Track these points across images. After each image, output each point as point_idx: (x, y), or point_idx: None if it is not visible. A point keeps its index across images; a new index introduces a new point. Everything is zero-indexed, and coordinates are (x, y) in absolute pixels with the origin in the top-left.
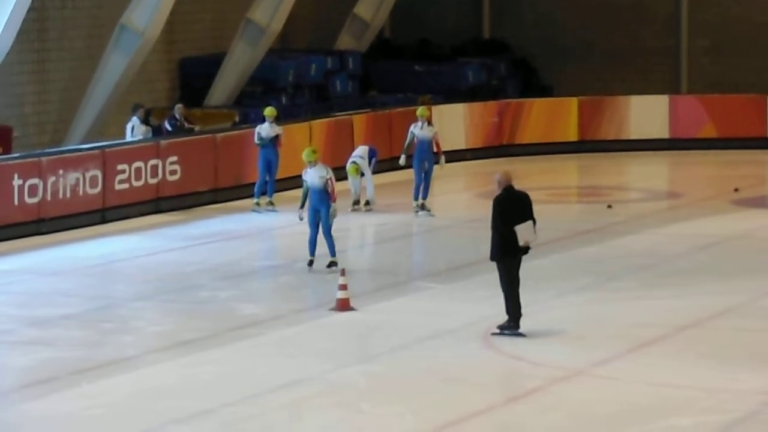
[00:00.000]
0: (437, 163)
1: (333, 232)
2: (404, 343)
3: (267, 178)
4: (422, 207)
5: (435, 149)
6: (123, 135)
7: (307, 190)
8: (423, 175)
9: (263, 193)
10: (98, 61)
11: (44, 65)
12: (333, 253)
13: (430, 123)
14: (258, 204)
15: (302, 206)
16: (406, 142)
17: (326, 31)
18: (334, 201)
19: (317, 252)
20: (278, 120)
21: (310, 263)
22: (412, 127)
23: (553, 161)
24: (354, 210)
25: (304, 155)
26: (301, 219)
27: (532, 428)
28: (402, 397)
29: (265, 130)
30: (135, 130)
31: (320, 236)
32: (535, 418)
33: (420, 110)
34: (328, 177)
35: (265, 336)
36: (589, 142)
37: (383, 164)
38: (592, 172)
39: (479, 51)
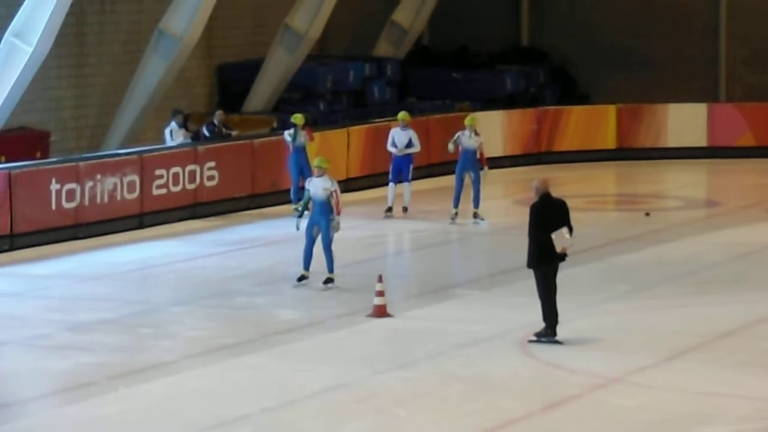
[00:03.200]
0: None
1: (367, 239)
2: (441, 349)
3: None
4: (475, 216)
5: (480, 159)
6: (161, 140)
7: (309, 201)
8: (461, 184)
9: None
10: (136, 66)
11: (82, 70)
12: (331, 269)
13: (476, 133)
14: (298, 209)
15: (301, 215)
16: (454, 137)
17: (364, 37)
18: (338, 214)
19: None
20: (315, 126)
21: (302, 278)
22: (459, 133)
23: (590, 169)
24: (387, 216)
25: (317, 162)
26: (298, 229)
27: None
28: (439, 404)
29: (291, 134)
30: (173, 134)
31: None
32: (572, 425)
33: (468, 119)
34: (332, 189)
35: (302, 342)
36: (627, 149)
37: (420, 171)
38: (629, 180)
39: (517, 58)
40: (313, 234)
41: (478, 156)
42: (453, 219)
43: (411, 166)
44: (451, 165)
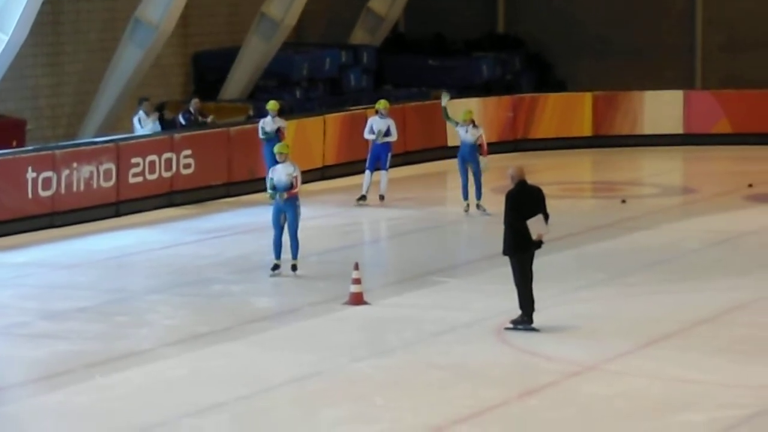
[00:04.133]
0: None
1: (344, 227)
2: (418, 337)
3: None
4: (478, 207)
5: (480, 151)
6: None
7: (273, 187)
8: (466, 176)
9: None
10: (112, 54)
11: (58, 58)
12: (295, 256)
13: (475, 125)
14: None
15: (274, 197)
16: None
17: (340, 25)
18: (292, 195)
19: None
20: (291, 114)
21: (275, 267)
22: (458, 126)
23: (567, 156)
24: (359, 204)
25: (277, 148)
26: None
27: (546, 423)
28: (415, 391)
29: (268, 124)
30: (142, 122)
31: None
32: (548, 412)
33: (464, 113)
34: (294, 174)
35: (278, 330)
36: (603, 137)
37: (397, 159)
38: (606, 167)
39: (494, 46)
40: (281, 222)
41: (479, 149)
42: (466, 210)
43: (389, 155)
44: (427, 153)
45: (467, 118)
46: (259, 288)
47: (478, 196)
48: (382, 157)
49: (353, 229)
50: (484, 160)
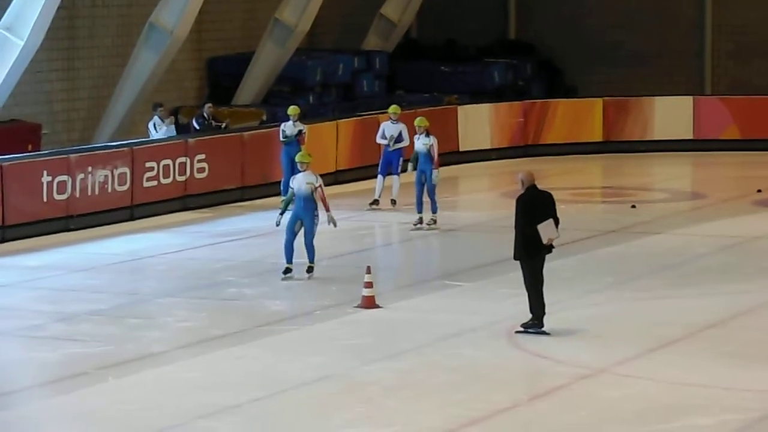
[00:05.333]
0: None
1: (356, 231)
2: (429, 340)
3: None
4: (430, 221)
5: (433, 163)
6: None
7: (291, 198)
8: (421, 187)
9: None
10: (127, 59)
11: (73, 63)
12: (312, 260)
13: (428, 134)
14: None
15: (282, 212)
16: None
17: (353, 31)
18: (328, 210)
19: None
20: (304, 119)
21: (287, 270)
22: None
23: (577, 161)
24: (372, 208)
25: (299, 157)
26: (278, 225)
27: (556, 426)
28: (427, 394)
29: (289, 127)
30: (157, 127)
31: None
32: (558, 415)
33: (417, 120)
34: (317, 185)
35: (291, 333)
36: (614, 142)
37: (408, 163)
38: (616, 172)
39: (505, 52)
40: (295, 229)
41: (431, 159)
42: (416, 225)
43: (401, 160)
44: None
45: (421, 125)
46: (272, 291)
47: (434, 208)
48: (393, 162)
49: (365, 233)
50: (435, 172)
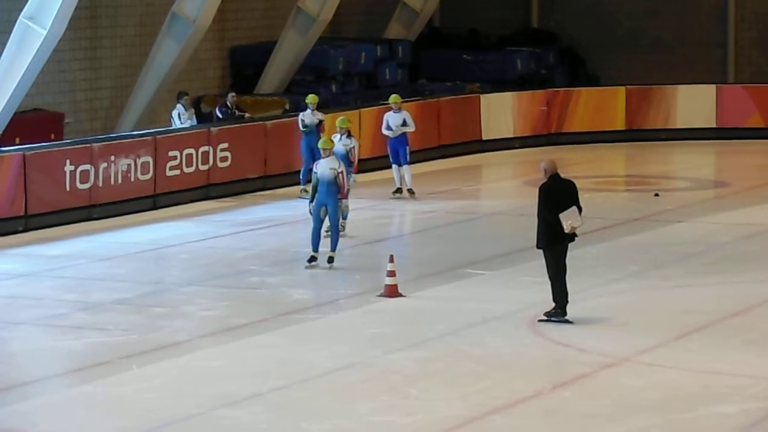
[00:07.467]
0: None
1: (379, 219)
2: (452, 329)
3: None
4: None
5: (352, 163)
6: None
7: (317, 183)
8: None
9: (308, 180)
10: (150, 48)
11: (96, 52)
12: (334, 248)
13: (349, 135)
14: (305, 191)
15: (312, 200)
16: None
17: (376, 19)
18: (345, 197)
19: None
20: (324, 108)
21: (312, 259)
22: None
23: (600, 150)
24: (396, 197)
25: (321, 143)
26: (311, 213)
27: (579, 414)
28: (450, 383)
29: (308, 116)
30: (181, 117)
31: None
32: (581, 404)
33: (339, 120)
34: (339, 170)
35: (313, 321)
36: (636, 131)
37: (431, 152)
38: (639, 160)
39: (527, 40)
40: (321, 215)
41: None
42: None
43: (407, 148)
44: (462, 146)
45: (342, 126)
46: (295, 280)
47: (344, 215)
48: (400, 150)
49: (388, 221)
50: (353, 175)
